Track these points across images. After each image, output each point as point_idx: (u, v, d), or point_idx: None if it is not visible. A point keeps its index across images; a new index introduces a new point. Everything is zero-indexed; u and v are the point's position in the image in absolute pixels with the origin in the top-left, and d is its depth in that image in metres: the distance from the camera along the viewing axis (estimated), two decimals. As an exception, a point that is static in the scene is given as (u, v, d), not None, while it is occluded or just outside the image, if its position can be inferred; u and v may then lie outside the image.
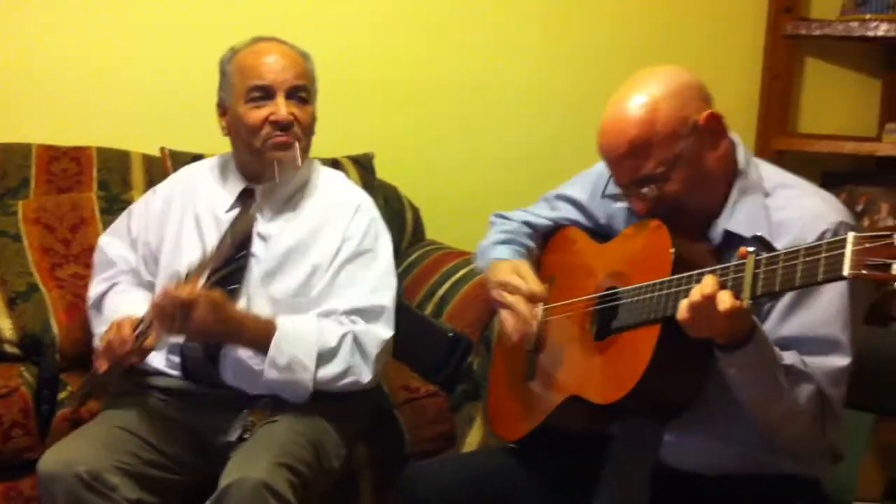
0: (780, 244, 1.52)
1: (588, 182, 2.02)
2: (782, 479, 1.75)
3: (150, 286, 2.31)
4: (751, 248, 1.50)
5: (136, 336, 2.05)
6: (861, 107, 3.61)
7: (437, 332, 2.59)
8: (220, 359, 2.15)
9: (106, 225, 2.58)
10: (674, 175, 1.72)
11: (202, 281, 2.06)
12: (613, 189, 1.85)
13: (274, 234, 2.24)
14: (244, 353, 2.13)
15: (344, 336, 2.14)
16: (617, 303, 1.76)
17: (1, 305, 2.50)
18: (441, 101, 3.28)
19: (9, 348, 2.48)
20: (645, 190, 1.74)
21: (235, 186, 2.30)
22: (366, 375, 2.17)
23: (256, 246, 2.23)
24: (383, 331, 2.21)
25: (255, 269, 2.22)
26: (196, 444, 2.15)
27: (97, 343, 2.20)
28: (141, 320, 2.06)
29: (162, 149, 2.86)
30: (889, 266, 1.28)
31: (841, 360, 1.65)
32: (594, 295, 1.84)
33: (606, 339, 1.78)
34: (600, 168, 1.96)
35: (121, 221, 2.42)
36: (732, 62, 3.51)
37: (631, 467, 1.79)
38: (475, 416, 2.55)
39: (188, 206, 2.31)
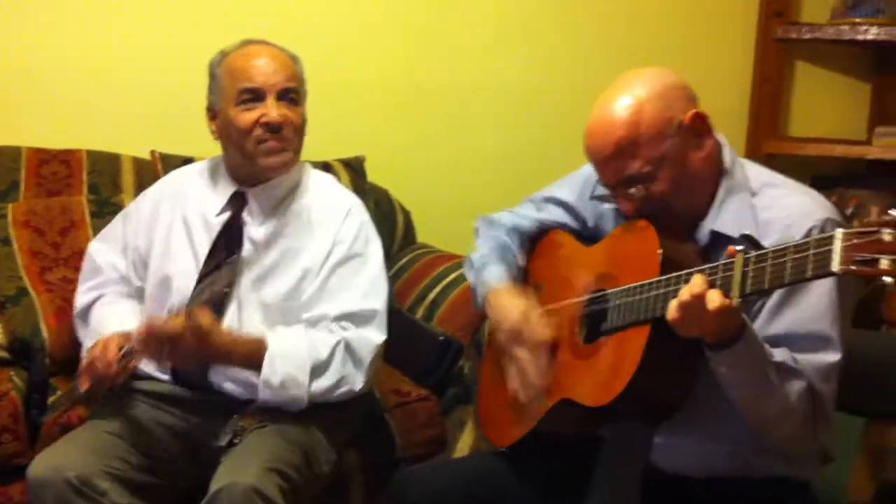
0: (768, 243, 1.53)
1: (576, 184, 2.02)
2: (773, 482, 1.76)
3: (139, 292, 2.30)
4: (739, 247, 1.51)
5: (120, 357, 2.03)
6: (851, 110, 3.62)
7: (428, 336, 2.59)
8: (211, 364, 2.15)
9: (96, 228, 2.57)
10: (660, 175, 1.73)
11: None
12: (601, 191, 1.85)
13: (264, 238, 2.23)
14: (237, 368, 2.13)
15: (335, 346, 2.14)
16: (606, 305, 1.76)
17: (-10, 309, 2.50)
18: (432, 105, 3.28)
19: (-2, 352, 2.47)
20: (632, 190, 1.75)
21: (226, 190, 2.29)
22: (359, 383, 2.17)
23: (246, 250, 2.23)
24: (375, 335, 2.20)
25: (246, 274, 2.21)
26: (186, 448, 2.14)
27: (84, 355, 2.18)
28: (127, 348, 2.04)
29: (152, 152, 2.86)
30: (877, 261, 1.28)
31: (831, 356, 1.66)
32: (583, 298, 1.84)
33: (596, 341, 1.78)
34: (588, 170, 1.97)
35: (112, 226, 2.41)
36: (723, 66, 3.52)
37: (621, 471, 1.79)
38: (466, 420, 2.55)
39: (178, 209, 2.30)
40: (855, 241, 1.31)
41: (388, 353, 2.28)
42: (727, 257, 1.52)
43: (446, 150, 3.31)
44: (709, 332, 1.57)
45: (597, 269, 1.85)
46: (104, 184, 2.79)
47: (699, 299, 1.51)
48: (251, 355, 2.09)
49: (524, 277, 2.05)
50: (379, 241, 2.31)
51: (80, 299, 2.33)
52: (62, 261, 2.61)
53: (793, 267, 1.41)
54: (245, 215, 2.25)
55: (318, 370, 2.12)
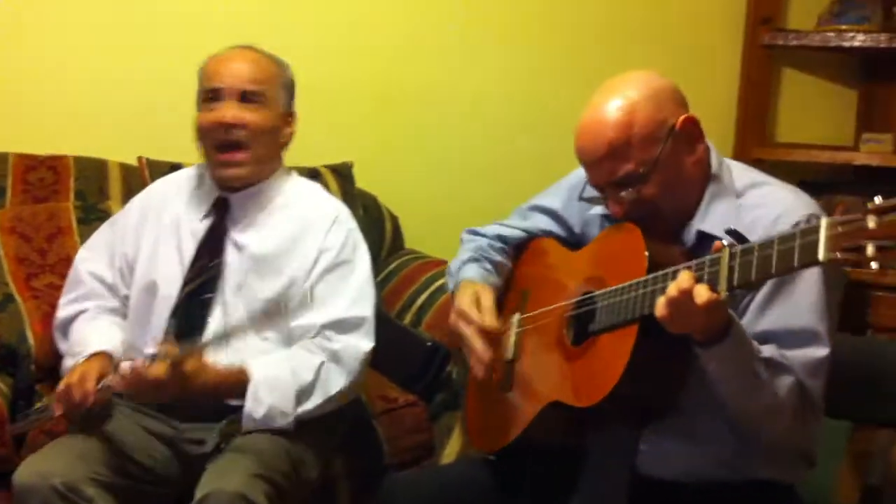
0: (755, 239, 1.53)
1: (562, 191, 2.03)
2: (758, 485, 1.76)
3: (125, 302, 2.29)
4: (725, 242, 1.51)
5: (98, 389, 2.02)
6: (838, 116, 3.64)
7: (416, 342, 2.59)
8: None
9: (83, 235, 2.57)
10: (652, 178, 1.73)
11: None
12: (590, 192, 1.86)
13: (248, 244, 2.22)
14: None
15: (320, 368, 2.13)
16: (593, 306, 1.77)
17: (-24, 316, 2.49)
18: (420, 110, 3.29)
19: (-16, 359, 2.46)
20: (623, 193, 1.75)
21: (210, 195, 2.29)
22: (345, 394, 2.17)
23: (230, 255, 2.22)
24: (363, 343, 2.20)
25: (230, 279, 2.21)
26: (172, 454, 2.14)
27: (63, 372, 2.17)
28: (105, 382, 2.02)
29: (140, 158, 2.85)
30: (863, 248, 1.28)
31: (819, 351, 1.67)
32: (570, 301, 1.85)
33: (584, 343, 1.78)
34: (574, 178, 1.97)
35: (98, 235, 2.39)
36: (711, 72, 3.53)
37: (607, 477, 1.79)
38: (454, 426, 2.55)
39: (165, 216, 2.30)
40: (840, 229, 1.32)
41: (376, 358, 2.28)
42: (713, 252, 1.53)
43: (434, 155, 3.31)
44: (697, 327, 1.57)
45: (584, 273, 1.85)
46: (91, 190, 2.79)
47: (687, 294, 1.51)
48: (236, 388, 2.08)
49: (508, 282, 2.05)
50: (366, 249, 2.31)
51: (61, 311, 2.31)
52: (48, 267, 2.60)
53: (779, 258, 1.41)
54: (228, 221, 2.25)
55: (303, 394, 2.11)
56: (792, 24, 3.56)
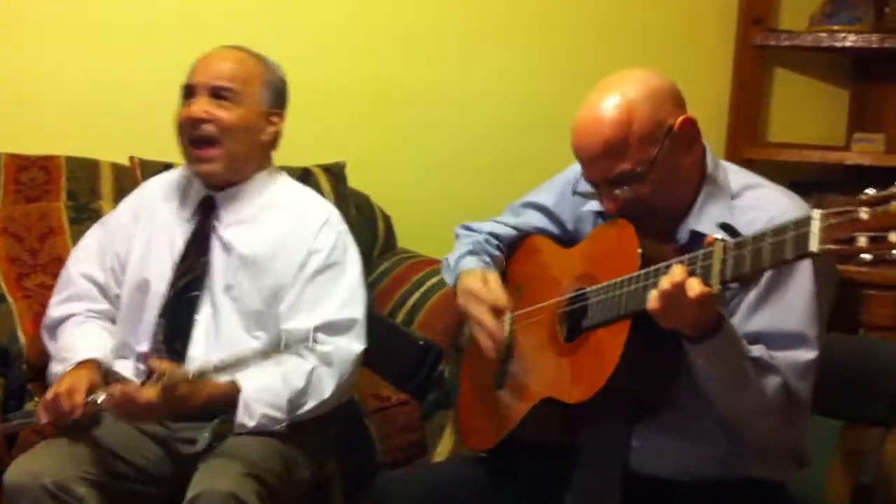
0: None
1: (555, 188, 2.03)
2: (749, 484, 1.76)
3: (116, 300, 2.28)
4: (718, 235, 1.51)
5: (86, 403, 2.00)
6: (829, 116, 3.65)
7: (408, 341, 2.59)
8: (187, 365, 2.14)
9: (74, 235, 2.56)
10: (648, 178, 1.73)
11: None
12: (585, 187, 1.85)
13: (235, 243, 2.22)
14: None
15: (311, 372, 2.12)
16: (586, 302, 1.77)
17: (-33, 316, 2.48)
18: (412, 110, 3.29)
19: (-25, 359, 2.45)
20: (618, 191, 1.75)
21: (198, 194, 2.29)
22: (338, 397, 2.17)
23: (217, 254, 2.22)
24: (355, 345, 2.19)
25: (217, 278, 2.20)
26: (164, 454, 2.13)
27: (51, 375, 2.16)
28: (94, 397, 2.00)
29: (131, 158, 2.85)
30: (855, 239, 1.29)
31: (808, 354, 1.67)
32: (563, 297, 1.85)
33: (577, 339, 1.78)
34: (567, 175, 1.98)
35: (90, 235, 2.38)
36: (702, 72, 3.54)
37: (600, 473, 1.79)
38: (446, 425, 2.55)
39: (156, 215, 2.29)
40: (832, 220, 1.32)
41: (368, 357, 2.27)
42: (706, 246, 1.53)
43: (427, 155, 3.32)
44: (689, 321, 1.57)
45: (577, 269, 1.85)
46: (83, 190, 2.78)
47: (679, 288, 1.51)
48: (229, 404, 2.07)
49: (504, 279, 2.05)
50: (357, 251, 2.30)
51: (51, 312, 2.29)
52: (40, 267, 2.60)
53: (772, 250, 1.41)
54: (215, 220, 2.24)
55: (295, 400, 2.10)
56: (784, 24, 3.56)
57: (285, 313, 2.18)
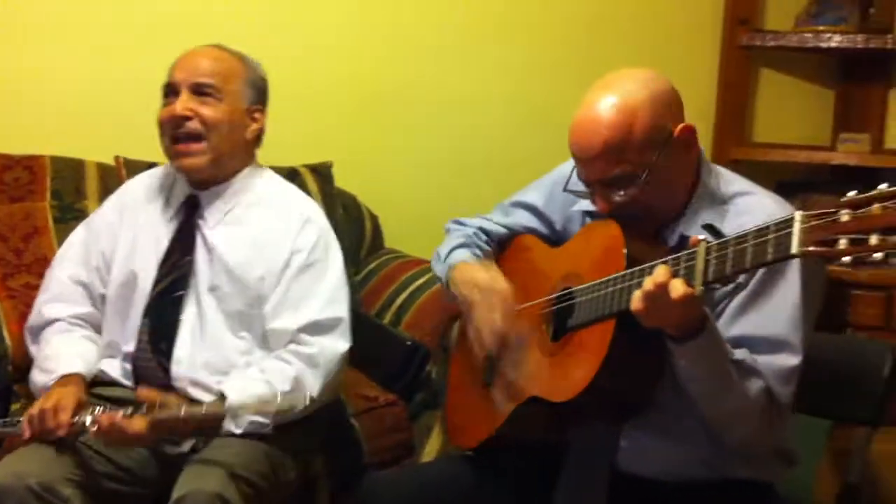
0: None
1: (544, 187, 2.02)
2: (737, 484, 1.77)
3: (101, 299, 2.27)
4: (702, 236, 1.51)
5: (72, 423, 1.99)
6: (815, 117, 3.66)
7: (396, 341, 2.58)
8: (173, 366, 2.14)
9: (59, 234, 2.55)
10: (644, 181, 1.72)
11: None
12: (577, 185, 1.84)
13: (218, 243, 2.21)
14: (201, 373, 2.13)
15: (296, 376, 2.11)
16: (572, 301, 1.77)
17: (-48, 317, 2.47)
18: (399, 110, 3.29)
19: (-40, 360, 2.44)
20: (612, 192, 1.75)
21: (182, 193, 2.28)
22: (325, 396, 2.16)
23: (201, 253, 2.21)
24: (340, 343, 2.19)
25: (202, 278, 2.19)
26: (150, 454, 2.12)
27: (33, 384, 2.15)
28: (81, 419, 1.99)
29: (117, 157, 2.84)
30: (836, 241, 1.29)
31: (791, 360, 1.67)
32: (550, 296, 1.85)
33: (563, 338, 1.78)
34: (557, 174, 1.97)
35: (74, 235, 2.36)
36: (688, 73, 3.52)
37: (588, 473, 1.80)
38: (433, 426, 2.55)
39: (140, 214, 2.28)
40: (814, 222, 1.32)
41: (355, 358, 2.27)
42: (690, 247, 1.53)
43: (414, 155, 3.31)
44: (672, 321, 1.57)
45: (563, 269, 1.85)
46: (68, 190, 2.77)
47: (662, 288, 1.51)
48: (217, 420, 2.06)
49: None
50: (339, 248, 2.29)
51: (35, 313, 2.28)
52: (25, 267, 2.58)
53: (754, 251, 1.42)
54: (199, 218, 2.23)
55: (282, 407, 2.07)
56: (769, 24, 3.58)
57: (270, 313, 2.18)
